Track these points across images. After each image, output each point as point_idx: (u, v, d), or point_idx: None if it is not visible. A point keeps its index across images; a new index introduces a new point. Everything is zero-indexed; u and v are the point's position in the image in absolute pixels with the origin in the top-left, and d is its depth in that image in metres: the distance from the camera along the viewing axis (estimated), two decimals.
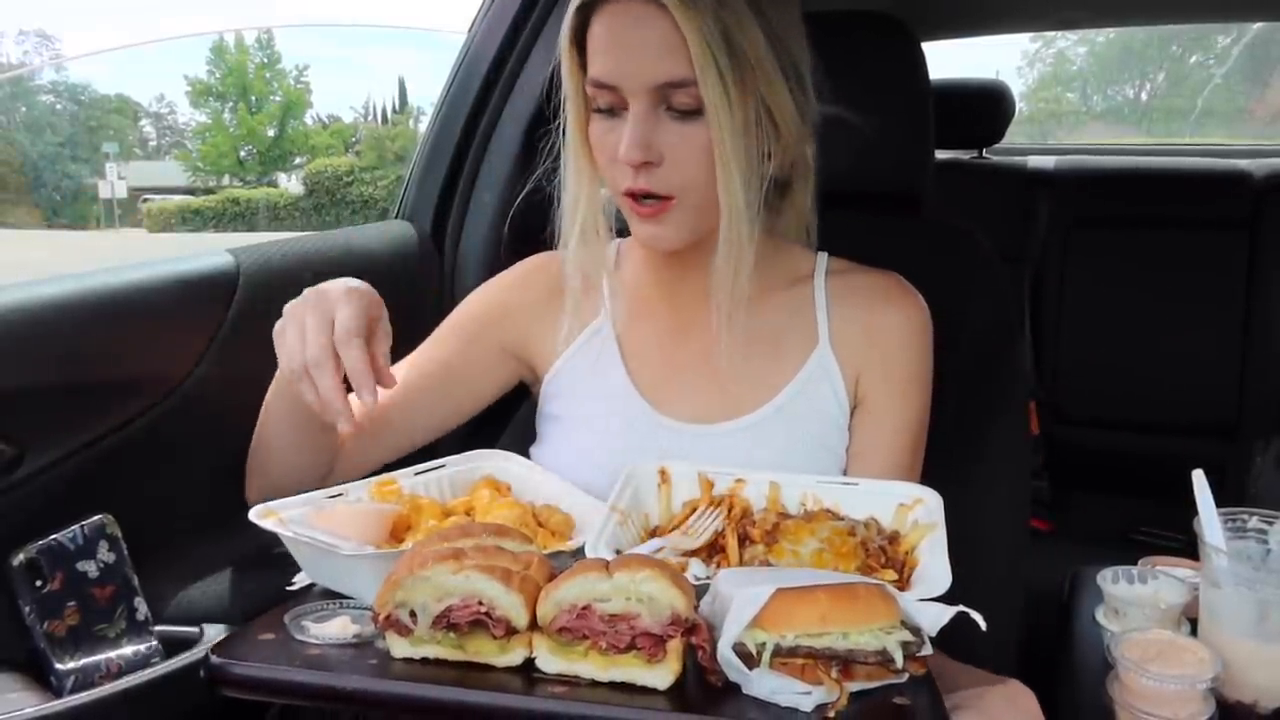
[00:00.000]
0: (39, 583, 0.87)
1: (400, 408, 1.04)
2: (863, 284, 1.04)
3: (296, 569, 0.88)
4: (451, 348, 1.09)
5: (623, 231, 1.03)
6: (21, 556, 0.86)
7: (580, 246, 0.99)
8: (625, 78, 0.90)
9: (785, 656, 0.68)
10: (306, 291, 0.90)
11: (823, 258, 1.06)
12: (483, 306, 1.12)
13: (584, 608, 0.68)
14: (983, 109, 2.27)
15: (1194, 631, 0.85)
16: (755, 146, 0.91)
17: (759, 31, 0.89)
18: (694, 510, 0.90)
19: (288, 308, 0.90)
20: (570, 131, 0.97)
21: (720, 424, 1.01)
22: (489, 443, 1.10)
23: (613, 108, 0.92)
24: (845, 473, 1.01)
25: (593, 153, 0.96)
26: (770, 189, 0.96)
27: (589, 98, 0.94)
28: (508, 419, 1.21)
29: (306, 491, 0.93)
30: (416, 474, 0.97)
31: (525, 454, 1.08)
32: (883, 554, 0.83)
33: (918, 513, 0.87)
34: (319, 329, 0.86)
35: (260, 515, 0.85)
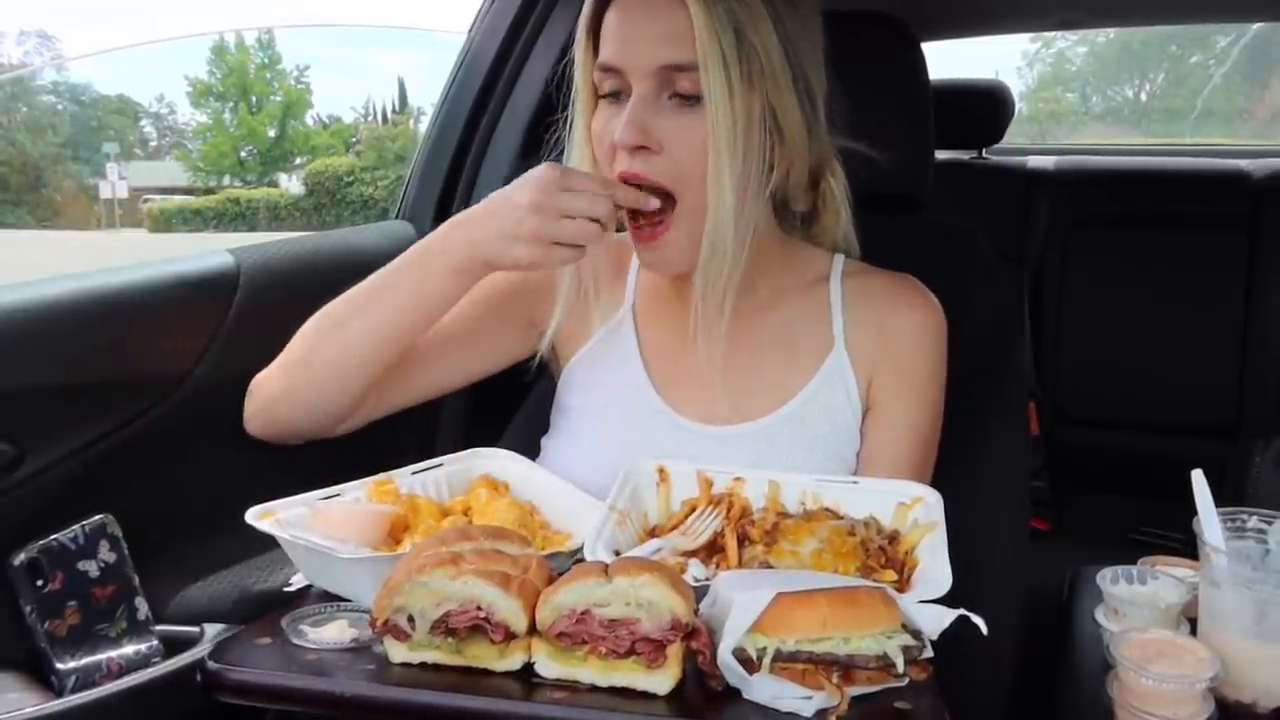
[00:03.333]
0: (40, 582, 0.87)
1: (427, 357, 1.04)
2: (877, 286, 1.04)
3: (296, 568, 0.88)
4: (478, 315, 1.08)
5: None
6: (22, 556, 0.86)
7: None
8: (628, 58, 0.90)
9: (786, 661, 0.68)
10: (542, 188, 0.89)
11: (838, 259, 1.06)
12: (516, 278, 1.09)
13: (583, 613, 0.68)
14: (983, 109, 2.27)
15: (1194, 631, 0.85)
16: (755, 149, 0.91)
17: (771, 32, 0.90)
18: (693, 510, 0.90)
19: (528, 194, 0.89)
20: (576, 125, 0.97)
21: (735, 426, 1.00)
22: (498, 429, 1.09)
23: (617, 92, 0.92)
24: (855, 475, 1.00)
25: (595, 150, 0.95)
26: (780, 197, 0.96)
27: (595, 85, 0.94)
28: (516, 407, 1.21)
29: (313, 422, 0.98)
30: (414, 473, 0.97)
31: (536, 443, 1.07)
32: (882, 554, 0.83)
33: (917, 512, 0.87)
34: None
35: (257, 516, 0.85)
